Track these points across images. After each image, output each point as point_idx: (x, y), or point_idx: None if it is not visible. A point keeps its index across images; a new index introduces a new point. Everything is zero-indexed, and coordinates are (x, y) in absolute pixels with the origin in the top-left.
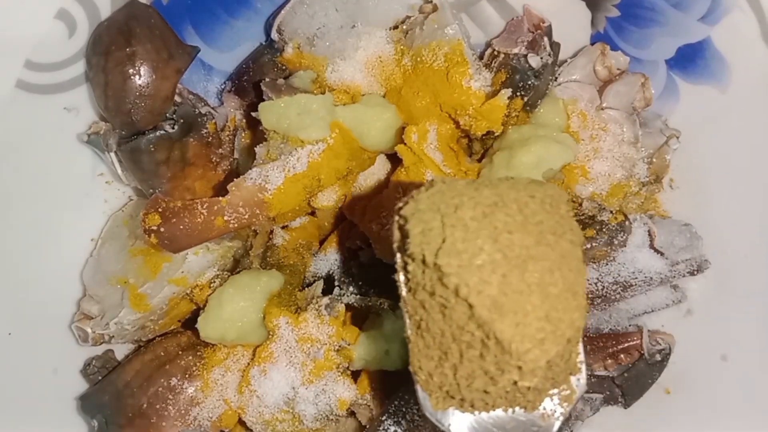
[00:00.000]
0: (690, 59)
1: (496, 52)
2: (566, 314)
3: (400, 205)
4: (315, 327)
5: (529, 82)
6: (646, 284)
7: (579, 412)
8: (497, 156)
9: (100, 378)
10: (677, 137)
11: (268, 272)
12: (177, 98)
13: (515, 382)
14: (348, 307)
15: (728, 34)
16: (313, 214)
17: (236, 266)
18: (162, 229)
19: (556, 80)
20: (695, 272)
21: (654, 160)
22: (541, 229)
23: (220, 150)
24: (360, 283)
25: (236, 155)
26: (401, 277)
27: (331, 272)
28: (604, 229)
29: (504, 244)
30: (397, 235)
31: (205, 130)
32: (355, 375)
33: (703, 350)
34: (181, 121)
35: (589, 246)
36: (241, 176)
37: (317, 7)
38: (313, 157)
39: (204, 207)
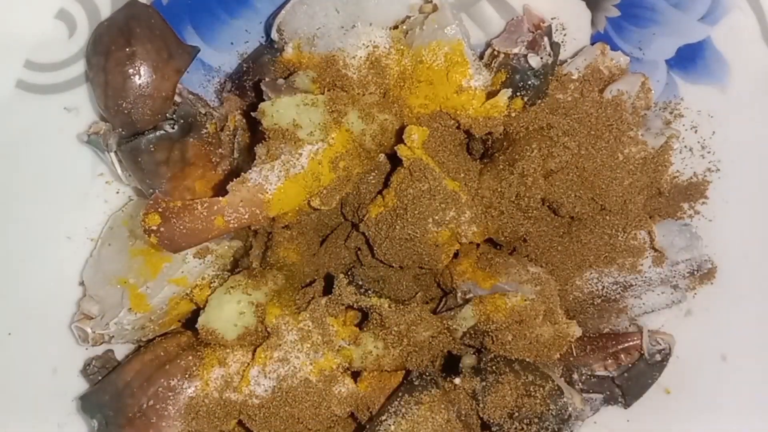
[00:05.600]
0: (690, 59)
1: (496, 52)
2: None
3: None
4: (314, 327)
5: (529, 82)
6: (646, 284)
7: (579, 412)
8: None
9: (100, 378)
10: (677, 137)
11: (268, 272)
12: (177, 98)
13: None
14: (348, 307)
15: (728, 34)
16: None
17: (236, 266)
18: (162, 229)
19: (556, 80)
20: (695, 272)
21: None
22: None
23: (220, 150)
24: (360, 283)
25: (236, 155)
26: None
27: (331, 272)
28: None
29: None
30: None
31: (205, 130)
32: (355, 375)
33: (703, 350)
34: (181, 121)
35: None
36: (241, 176)
37: (317, 7)
38: (313, 157)
39: (204, 207)
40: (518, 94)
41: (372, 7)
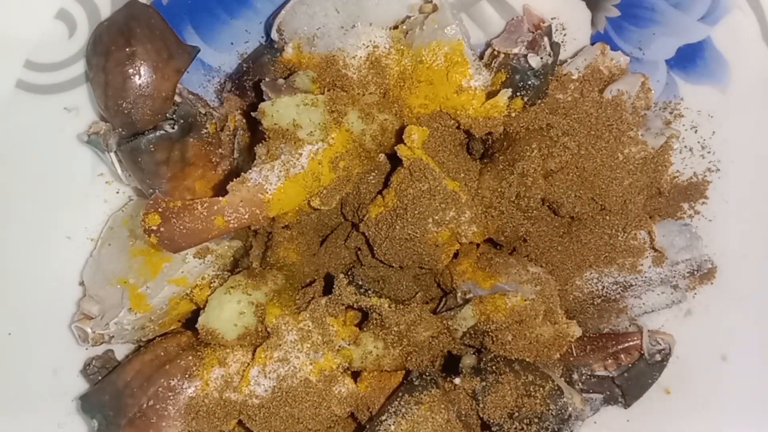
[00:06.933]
0: (690, 59)
1: (496, 52)
2: None
3: None
4: (314, 327)
5: (529, 82)
6: (646, 284)
7: (579, 412)
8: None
9: (100, 378)
10: (677, 137)
11: (268, 272)
12: (177, 98)
13: None
14: (348, 307)
15: (728, 34)
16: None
17: (236, 266)
18: (162, 229)
19: (556, 80)
20: (695, 272)
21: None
22: None
23: (220, 150)
24: (360, 283)
25: (236, 155)
26: None
27: (331, 272)
28: None
29: None
30: None
31: (205, 130)
32: (355, 375)
33: (703, 350)
34: (181, 121)
35: None
36: (241, 176)
37: (317, 7)
38: (313, 157)
39: (204, 207)
40: (518, 94)
41: (372, 7)
